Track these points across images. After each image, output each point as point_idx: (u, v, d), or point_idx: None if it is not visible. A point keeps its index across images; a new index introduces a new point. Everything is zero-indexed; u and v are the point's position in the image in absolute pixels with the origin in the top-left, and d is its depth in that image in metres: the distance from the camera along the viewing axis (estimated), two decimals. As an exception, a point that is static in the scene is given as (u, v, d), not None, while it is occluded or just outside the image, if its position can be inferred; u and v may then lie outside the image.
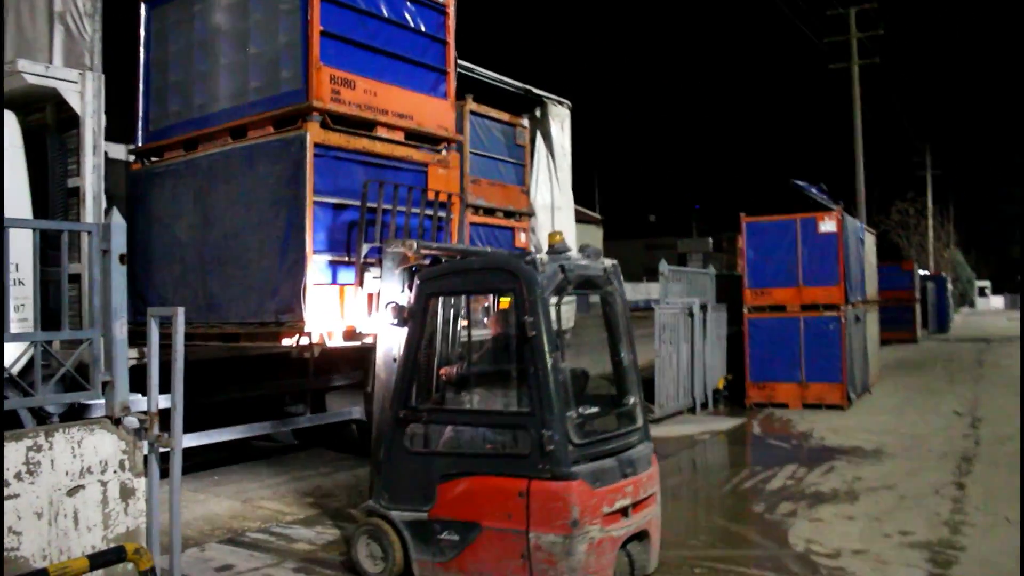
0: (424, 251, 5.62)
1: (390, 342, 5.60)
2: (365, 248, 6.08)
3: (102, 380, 4.56)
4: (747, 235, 13.03)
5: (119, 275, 4.73)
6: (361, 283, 6.10)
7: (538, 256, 4.92)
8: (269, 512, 7.06)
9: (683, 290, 13.02)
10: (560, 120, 11.20)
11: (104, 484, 4.46)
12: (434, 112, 7.18)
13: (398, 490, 5.19)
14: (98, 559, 4.02)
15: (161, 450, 4.64)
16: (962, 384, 15.48)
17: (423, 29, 7.14)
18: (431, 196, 6.84)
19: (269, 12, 6.59)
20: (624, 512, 4.87)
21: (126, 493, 4.54)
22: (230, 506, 7.27)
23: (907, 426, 11.01)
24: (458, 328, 5.94)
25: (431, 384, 5.48)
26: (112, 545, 4.36)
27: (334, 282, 6.27)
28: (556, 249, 5.22)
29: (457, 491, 4.91)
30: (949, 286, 36.24)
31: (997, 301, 67.15)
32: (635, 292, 38.58)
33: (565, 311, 6.23)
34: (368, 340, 6.17)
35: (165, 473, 4.70)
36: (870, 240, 16.33)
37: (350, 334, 6.35)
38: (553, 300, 4.96)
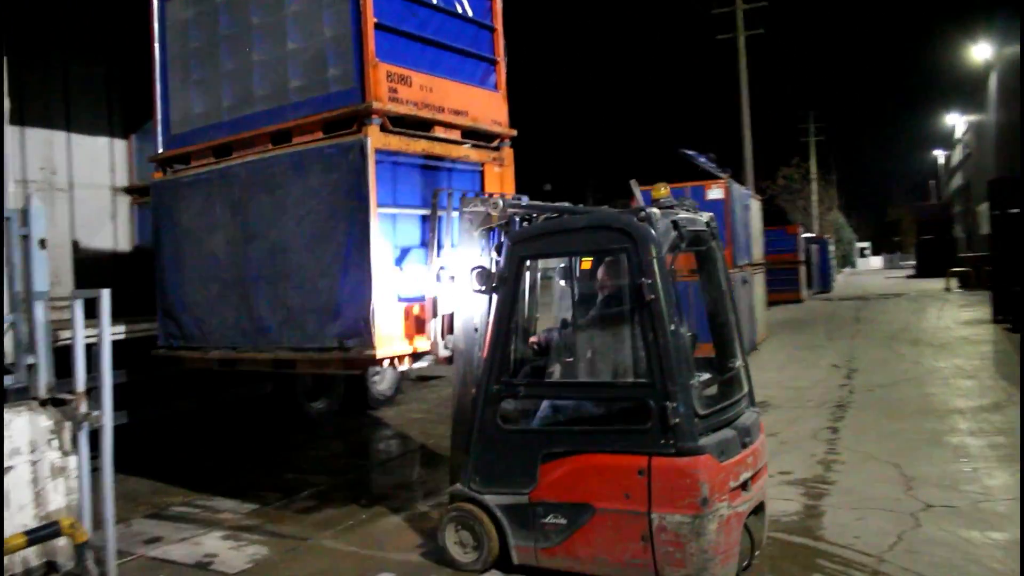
0: (511, 210, 5.17)
1: (469, 310, 5.19)
2: (437, 263, 5.53)
3: (27, 363, 4.85)
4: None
5: (40, 260, 4.95)
6: (435, 301, 5.53)
7: (653, 211, 4.54)
8: (191, 488, 7.26)
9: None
10: None
11: (34, 464, 4.68)
12: (488, 106, 6.61)
13: (492, 472, 4.84)
14: (35, 534, 4.33)
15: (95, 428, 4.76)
16: (841, 339, 16.62)
17: (471, 15, 6.55)
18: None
19: (310, 3, 5.94)
20: (745, 485, 4.55)
21: (56, 472, 4.77)
22: (150, 483, 7.46)
23: (790, 380, 11.72)
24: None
25: (525, 355, 5.16)
26: (45, 523, 4.59)
27: (401, 299, 5.72)
28: (662, 203, 4.80)
29: (563, 471, 4.56)
30: (832, 248, 37.94)
31: (876, 261, 73.98)
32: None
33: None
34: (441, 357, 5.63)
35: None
36: (756, 206, 17.28)
37: (417, 356, 5.82)
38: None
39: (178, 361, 6.74)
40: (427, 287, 5.55)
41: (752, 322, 15.03)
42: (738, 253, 13.83)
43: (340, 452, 8.85)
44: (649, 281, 4.34)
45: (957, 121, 48.84)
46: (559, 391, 5.00)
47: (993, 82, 35.90)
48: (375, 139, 5.52)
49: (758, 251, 17.11)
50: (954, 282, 30.09)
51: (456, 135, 6.26)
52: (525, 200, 5.56)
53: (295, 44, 6.03)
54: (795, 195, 48.16)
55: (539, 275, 5.65)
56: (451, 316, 5.45)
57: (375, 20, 5.62)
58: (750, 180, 25.76)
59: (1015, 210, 16.15)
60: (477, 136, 6.48)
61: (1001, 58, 33.22)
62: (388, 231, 5.70)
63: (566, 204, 5.49)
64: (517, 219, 5.27)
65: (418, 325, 5.68)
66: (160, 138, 6.90)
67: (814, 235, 38.04)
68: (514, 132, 6.78)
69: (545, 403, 4.91)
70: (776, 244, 24.42)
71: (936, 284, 31.12)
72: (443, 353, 5.51)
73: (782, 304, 23.40)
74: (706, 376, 4.74)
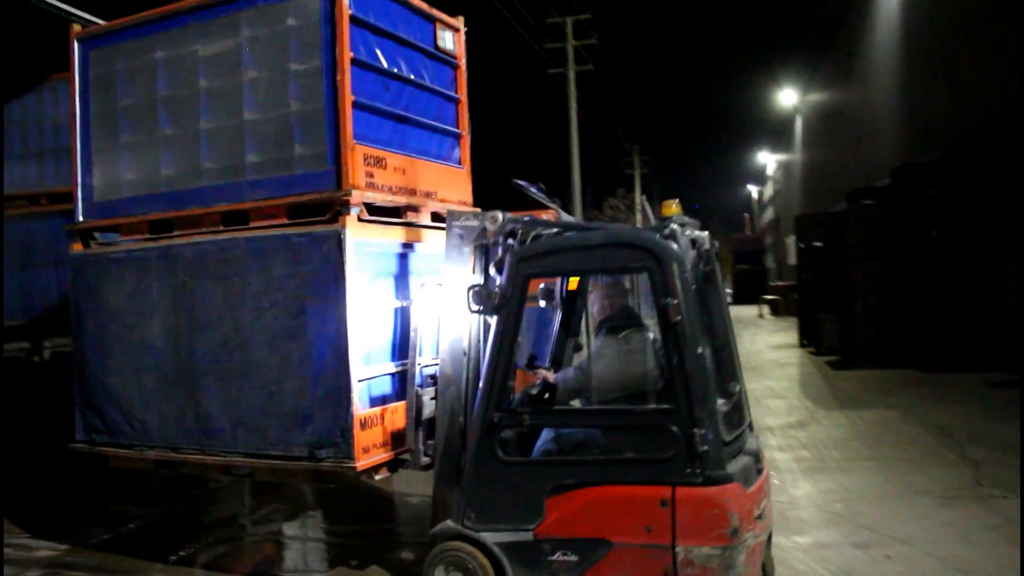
0: (512, 226, 4.74)
1: (455, 331, 4.79)
2: (417, 365, 5.10)
3: None
4: None
5: None
6: (416, 401, 5.09)
7: (676, 228, 4.29)
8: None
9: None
10: None
11: None
12: (455, 185, 6.27)
13: (490, 507, 4.43)
14: None
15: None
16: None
17: (438, 88, 6.17)
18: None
19: (273, 71, 5.38)
20: (761, 513, 4.35)
21: None
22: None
23: None
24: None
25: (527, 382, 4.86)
26: None
27: (373, 400, 5.26)
28: (676, 220, 4.48)
29: (574, 504, 4.21)
30: None
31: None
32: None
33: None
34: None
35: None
36: None
37: (395, 465, 5.36)
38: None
39: (102, 459, 5.96)
40: (407, 392, 5.13)
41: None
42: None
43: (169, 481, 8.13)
44: (674, 302, 4.07)
45: (768, 159, 52.77)
46: (572, 419, 4.71)
47: (798, 125, 39.05)
48: (353, 230, 5.06)
49: None
50: (766, 309, 32.39)
51: (427, 218, 5.85)
52: (528, 217, 5.20)
53: (253, 115, 5.46)
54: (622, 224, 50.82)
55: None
56: (430, 420, 5.05)
57: (353, 98, 5.17)
58: (578, 209, 27.00)
59: (818, 243, 17.86)
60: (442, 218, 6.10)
61: (805, 103, 36.36)
62: (362, 326, 5.22)
63: (573, 219, 5.15)
64: (515, 236, 4.82)
65: (395, 430, 5.24)
66: (79, 205, 6.11)
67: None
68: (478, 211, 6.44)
69: (547, 433, 4.63)
70: None
71: (750, 311, 32.82)
72: (423, 461, 5.10)
73: None
74: (726, 401, 4.45)
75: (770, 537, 4.77)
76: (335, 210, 5.12)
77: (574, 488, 4.23)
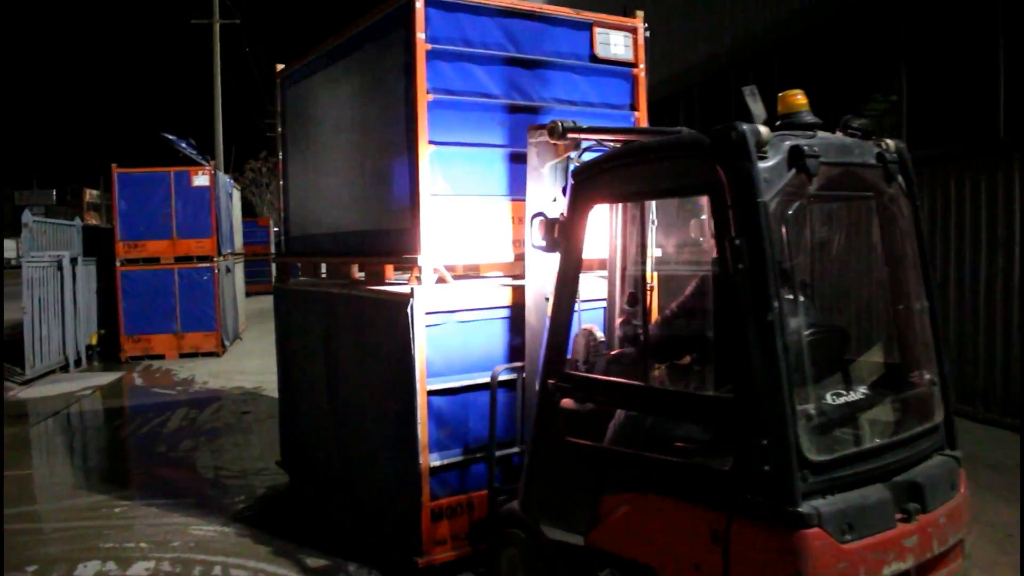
0: (573, 135, 3.76)
1: (539, 275, 3.90)
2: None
3: None
4: (119, 187, 13.02)
5: None
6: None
7: (754, 128, 2.71)
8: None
9: (50, 243, 12.36)
10: None
11: None
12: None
13: (548, 496, 3.48)
14: None
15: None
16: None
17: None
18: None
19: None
20: None
21: None
22: None
23: (276, 366, 9.57)
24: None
25: (594, 340, 3.67)
26: None
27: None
28: (794, 119, 2.96)
29: (625, 512, 3.10)
30: None
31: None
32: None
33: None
34: None
35: None
36: (237, 196, 17.39)
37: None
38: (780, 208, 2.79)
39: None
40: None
41: (235, 311, 15.33)
42: (223, 242, 13.86)
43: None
44: (739, 242, 2.67)
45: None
46: (621, 396, 3.35)
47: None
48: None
49: (239, 241, 17.25)
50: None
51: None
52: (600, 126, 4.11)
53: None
54: (262, 188, 45.93)
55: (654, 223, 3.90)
56: None
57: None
58: (220, 170, 22.33)
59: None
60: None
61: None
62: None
63: (649, 127, 3.98)
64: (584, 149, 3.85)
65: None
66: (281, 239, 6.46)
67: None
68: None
69: (619, 412, 3.41)
70: (250, 236, 24.24)
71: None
72: None
73: (255, 295, 22.09)
74: (848, 395, 2.98)
75: None
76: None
77: (629, 491, 3.10)
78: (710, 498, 2.75)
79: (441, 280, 4.53)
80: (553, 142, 3.67)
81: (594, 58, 5.04)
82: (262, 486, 6.49)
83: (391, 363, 4.63)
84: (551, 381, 3.39)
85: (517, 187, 4.77)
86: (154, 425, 8.67)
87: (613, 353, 3.74)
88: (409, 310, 4.37)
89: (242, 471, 6.89)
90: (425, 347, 4.40)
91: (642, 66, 5.18)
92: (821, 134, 2.93)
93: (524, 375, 4.13)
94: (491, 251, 4.76)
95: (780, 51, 10.28)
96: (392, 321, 4.57)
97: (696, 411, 3.03)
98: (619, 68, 5.15)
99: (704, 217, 3.27)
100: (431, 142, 4.47)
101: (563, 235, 3.43)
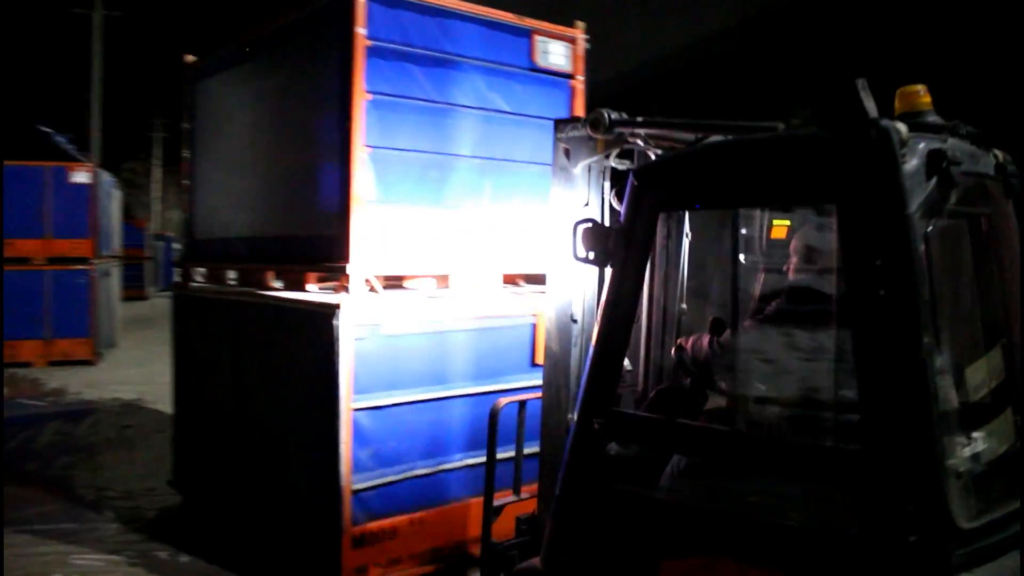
0: (621, 129, 3.14)
1: (564, 290, 3.33)
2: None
3: None
4: None
5: None
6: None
7: (895, 125, 2.24)
8: None
9: None
10: None
11: None
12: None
13: (584, 552, 2.86)
14: None
15: None
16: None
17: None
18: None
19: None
20: None
21: None
22: None
23: (157, 376, 10.14)
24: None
25: (655, 372, 3.32)
26: None
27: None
28: (921, 120, 2.54)
29: None
30: (175, 245, 35.51)
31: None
32: None
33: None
34: None
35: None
36: (117, 196, 16.62)
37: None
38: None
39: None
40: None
41: (111, 317, 14.53)
42: (103, 243, 13.21)
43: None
44: (881, 262, 2.23)
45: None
46: (689, 441, 2.82)
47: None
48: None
49: (117, 243, 16.51)
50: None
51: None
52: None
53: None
54: (139, 189, 44.51)
55: (687, 237, 3.62)
56: None
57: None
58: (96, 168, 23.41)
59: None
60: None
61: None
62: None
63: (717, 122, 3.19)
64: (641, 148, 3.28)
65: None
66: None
67: (160, 232, 36.81)
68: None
69: (684, 459, 2.91)
70: (125, 238, 22.48)
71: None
72: None
73: (128, 301, 21.41)
74: (995, 443, 2.54)
75: None
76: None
77: (703, 555, 2.56)
78: (823, 567, 2.30)
79: (371, 290, 4.29)
80: (597, 137, 3.14)
81: (534, 67, 4.95)
82: (152, 508, 5.98)
83: (312, 377, 4.33)
84: (596, 420, 2.82)
85: (453, 195, 4.61)
86: (22, 440, 7.94)
87: (660, 388, 3.36)
88: (335, 321, 4.11)
89: (127, 491, 6.36)
90: (352, 361, 4.15)
91: (580, 77, 5.12)
92: (950, 139, 2.46)
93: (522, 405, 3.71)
94: (425, 262, 4.57)
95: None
96: (315, 332, 4.28)
97: (808, 462, 2.48)
98: (557, 78, 5.08)
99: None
100: (367, 145, 4.24)
101: (620, 246, 2.84)
